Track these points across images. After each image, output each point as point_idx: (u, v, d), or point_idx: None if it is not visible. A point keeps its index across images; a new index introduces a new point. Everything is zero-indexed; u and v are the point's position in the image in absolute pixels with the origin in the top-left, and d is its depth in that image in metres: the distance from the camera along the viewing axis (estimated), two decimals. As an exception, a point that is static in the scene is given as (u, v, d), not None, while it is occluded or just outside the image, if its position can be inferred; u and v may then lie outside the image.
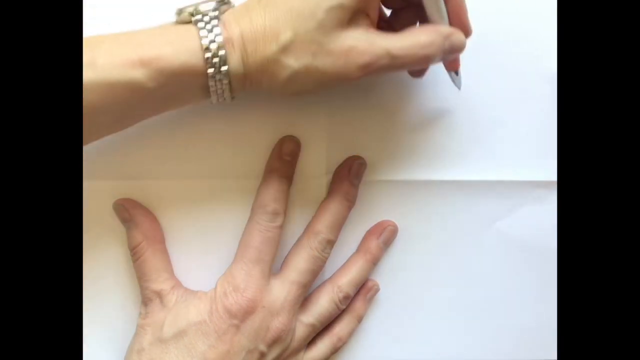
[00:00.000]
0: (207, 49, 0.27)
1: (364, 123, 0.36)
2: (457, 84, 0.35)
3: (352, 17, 0.28)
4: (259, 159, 0.35)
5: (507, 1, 0.36)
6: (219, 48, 0.28)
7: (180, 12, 0.29)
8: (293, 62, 0.28)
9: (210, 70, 0.28)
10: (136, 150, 0.34)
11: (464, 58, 0.36)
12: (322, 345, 0.35)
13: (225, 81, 0.28)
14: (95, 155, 0.34)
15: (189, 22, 0.29)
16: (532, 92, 0.37)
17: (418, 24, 0.33)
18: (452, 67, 0.34)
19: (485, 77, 0.36)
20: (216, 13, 0.28)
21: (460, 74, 0.34)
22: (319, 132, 0.36)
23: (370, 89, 0.36)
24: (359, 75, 0.29)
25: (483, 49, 0.36)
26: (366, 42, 0.28)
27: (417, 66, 0.31)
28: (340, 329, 0.36)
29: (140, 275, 0.34)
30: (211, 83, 0.28)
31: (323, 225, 0.34)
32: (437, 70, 0.36)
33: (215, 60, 0.28)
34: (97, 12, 0.34)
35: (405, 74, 0.36)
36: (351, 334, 0.36)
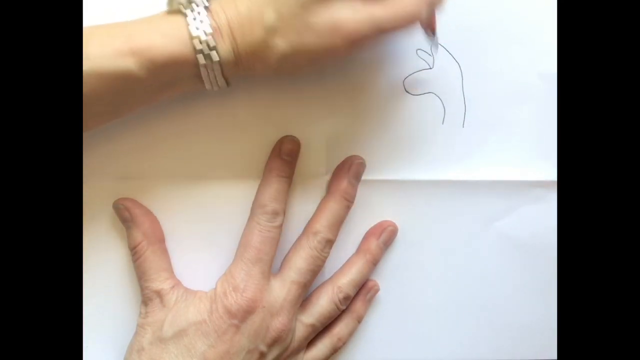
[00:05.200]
0: (197, 39, 0.28)
1: (364, 123, 0.36)
2: (434, 48, 0.35)
3: None
4: (258, 159, 0.35)
5: (507, 2, 0.36)
6: (207, 37, 0.28)
7: (171, 1, 0.29)
8: (280, 43, 0.28)
9: (201, 60, 0.28)
10: (136, 150, 0.34)
11: (464, 59, 0.36)
12: (322, 346, 0.35)
13: (217, 69, 0.29)
14: (95, 155, 0.34)
15: (180, 12, 0.29)
16: (531, 92, 0.37)
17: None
18: (430, 25, 0.33)
19: (485, 77, 0.36)
20: (206, 3, 0.29)
21: (437, 36, 0.34)
22: (319, 132, 0.36)
23: (370, 89, 0.36)
24: (348, 47, 0.29)
25: (483, 49, 0.36)
26: (350, 14, 0.28)
27: (404, 30, 0.30)
28: (340, 329, 0.36)
29: (140, 275, 0.34)
30: (203, 71, 0.29)
31: (322, 224, 0.34)
32: (438, 70, 0.36)
33: (206, 49, 0.28)
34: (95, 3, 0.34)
35: (406, 74, 0.36)
36: (351, 334, 0.36)
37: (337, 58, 0.29)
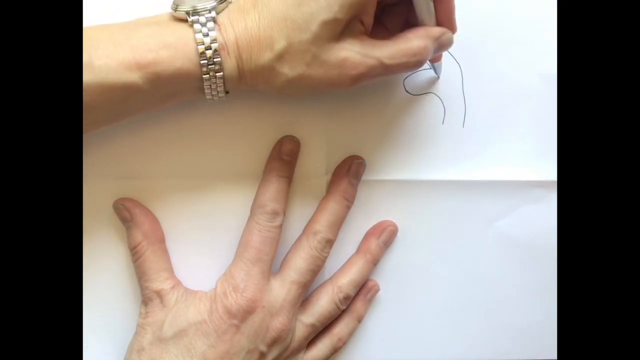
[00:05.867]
0: (203, 55, 0.28)
1: (364, 123, 0.36)
2: (437, 72, 0.35)
3: (346, 26, 0.28)
4: (258, 159, 0.35)
5: (507, 2, 0.36)
6: (214, 54, 0.28)
7: (176, 7, 0.29)
8: (287, 70, 0.28)
9: (206, 76, 0.28)
10: (136, 150, 0.34)
11: (464, 59, 0.36)
12: (322, 346, 0.35)
13: (220, 83, 0.29)
14: (95, 154, 0.34)
15: (185, 19, 0.29)
16: (531, 92, 0.37)
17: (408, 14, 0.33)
18: (435, 60, 0.34)
19: (485, 77, 0.36)
20: (213, 15, 0.28)
21: (441, 62, 0.35)
22: (319, 132, 0.36)
23: (370, 90, 0.36)
24: (352, 84, 0.29)
25: (483, 50, 0.36)
26: (359, 54, 0.29)
27: (409, 71, 0.31)
28: (340, 329, 0.36)
29: (140, 275, 0.34)
30: (206, 85, 0.29)
31: (322, 224, 0.34)
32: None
33: (211, 66, 0.28)
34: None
35: (406, 74, 0.36)
36: (351, 334, 0.36)
37: (338, 90, 0.30)
